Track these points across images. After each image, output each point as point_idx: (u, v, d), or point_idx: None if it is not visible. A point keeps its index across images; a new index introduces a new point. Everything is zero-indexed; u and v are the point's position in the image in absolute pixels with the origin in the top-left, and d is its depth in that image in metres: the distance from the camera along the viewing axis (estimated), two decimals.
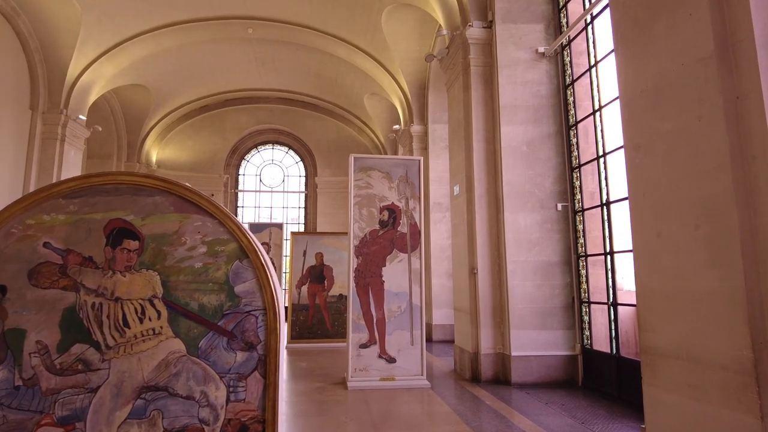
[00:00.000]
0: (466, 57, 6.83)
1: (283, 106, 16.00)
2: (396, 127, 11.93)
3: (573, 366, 5.93)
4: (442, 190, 10.77)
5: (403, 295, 6.16)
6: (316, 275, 9.79)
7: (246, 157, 16.76)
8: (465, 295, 6.60)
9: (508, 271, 6.10)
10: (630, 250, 4.99)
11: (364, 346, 6.03)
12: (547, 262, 6.15)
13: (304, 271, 9.83)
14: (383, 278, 6.16)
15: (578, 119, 6.27)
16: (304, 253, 9.87)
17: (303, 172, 16.91)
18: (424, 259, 10.83)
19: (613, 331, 5.31)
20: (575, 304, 6.05)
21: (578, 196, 6.20)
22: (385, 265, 6.19)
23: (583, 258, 6.01)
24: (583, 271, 6.01)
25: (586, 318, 5.92)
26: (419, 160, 6.47)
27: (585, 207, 6.06)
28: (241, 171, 16.65)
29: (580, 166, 6.17)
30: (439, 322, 10.34)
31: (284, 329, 2.60)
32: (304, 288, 9.77)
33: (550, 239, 6.20)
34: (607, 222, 5.51)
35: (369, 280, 6.15)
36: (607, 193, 5.55)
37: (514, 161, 6.36)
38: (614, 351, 5.29)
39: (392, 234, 6.27)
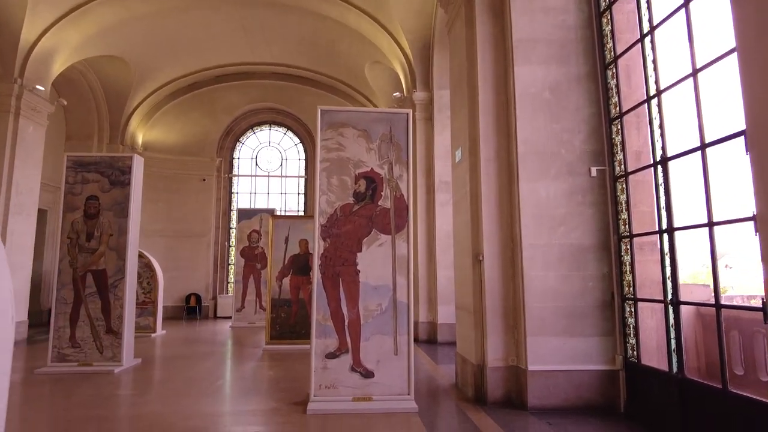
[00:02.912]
0: None
1: (278, 82, 14.56)
2: (396, 94, 10.39)
3: (612, 385, 4.37)
4: (449, 167, 9.20)
5: (384, 290, 4.69)
6: (300, 266, 8.39)
7: (241, 139, 15.44)
8: (467, 290, 5.09)
9: (525, 258, 4.57)
10: (702, 225, 3.42)
11: (331, 355, 4.59)
12: (577, 246, 4.59)
13: (286, 261, 8.45)
14: (358, 267, 4.70)
15: (618, 54, 4.67)
16: (286, 239, 8.49)
17: (303, 155, 15.52)
18: (421, 246, 9.40)
19: (673, 341, 3.74)
20: (615, 302, 4.48)
21: (619, 157, 4.61)
22: (360, 250, 4.73)
23: (627, 239, 4.44)
24: (627, 258, 4.44)
25: (630, 321, 4.35)
26: (407, 113, 4.96)
27: (629, 170, 4.47)
28: (235, 154, 15.35)
29: (621, 115, 4.59)
30: (446, 321, 8.84)
31: None
32: (286, 280, 8.39)
33: (581, 215, 4.64)
34: (663, 187, 3.92)
35: (339, 269, 4.70)
36: (663, 148, 3.96)
37: (533, 112, 4.81)
38: (674, 369, 3.72)
39: (371, 209, 4.79)
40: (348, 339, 4.60)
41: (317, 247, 4.72)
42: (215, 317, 13.93)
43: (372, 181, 4.83)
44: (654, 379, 3.97)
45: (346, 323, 4.62)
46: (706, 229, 3.39)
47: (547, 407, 4.32)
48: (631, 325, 4.32)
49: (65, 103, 10.86)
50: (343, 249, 4.72)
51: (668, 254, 3.83)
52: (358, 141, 4.87)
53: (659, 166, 3.98)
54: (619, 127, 4.64)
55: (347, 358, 4.58)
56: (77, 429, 3.87)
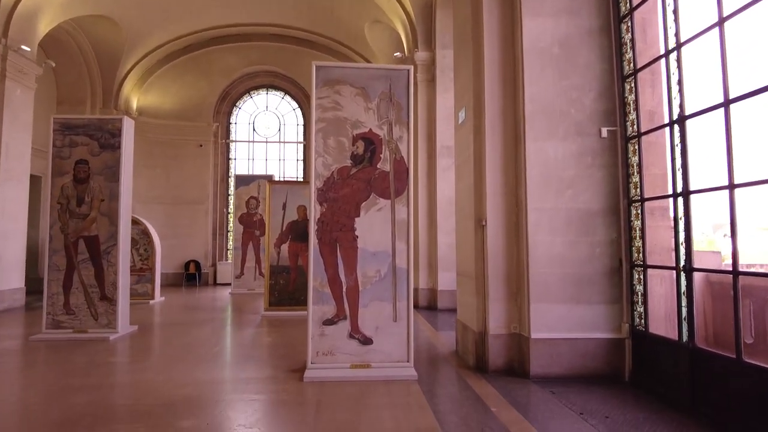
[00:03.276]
0: None
1: (276, 44, 14.09)
2: (397, 54, 9.99)
3: (618, 354, 4.26)
4: (452, 132, 8.92)
5: (383, 256, 4.52)
6: (299, 232, 8.22)
7: (237, 103, 15.04)
8: (469, 256, 4.93)
9: (530, 222, 4.38)
10: (722, 187, 3.20)
11: (329, 322, 4.46)
12: (585, 210, 4.39)
13: (284, 228, 8.28)
14: (356, 233, 4.52)
15: (634, 5, 4.35)
16: (284, 206, 8.29)
17: (301, 121, 15.16)
18: (422, 211, 9.20)
19: (684, 309, 3.59)
20: (623, 269, 4.31)
21: (631, 116, 4.36)
22: (358, 215, 4.54)
23: (638, 203, 4.23)
24: (637, 223, 4.25)
25: (638, 288, 4.20)
26: (408, 69, 4.68)
27: (642, 131, 4.23)
28: (232, 119, 14.99)
29: (635, 71, 4.30)
30: (447, 288, 8.76)
31: None
32: (285, 247, 8.25)
33: (590, 178, 4.42)
34: (679, 148, 3.68)
35: (336, 234, 4.52)
36: (681, 106, 3.70)
37: (542, 69, 4.52)
38: (684, 338, 3.58)
39: (369, 173, 4.57)
40: (346, 306, 4.47)
41: (313, 212, 4.53)
42: (215, 284, 13.90)
43: (371, 142, 4.59)
44: (662, 347, 3.84)
45: (344, 290, 4.47)
46: (716, 193, 3.18)
47: (550, 376, 4.22)
48: (640, 293, 4.16)
49: (53, 64, 10.47)
50: (341, 214, 4.52)
51: (682, 219, 3.63)
52: (355, 100, 4.60)
53: (676, 126, 3.73)
54: (632, 84, 4.36)
55: (345, 325, 4.45)
56: (68, 397, 3.77)
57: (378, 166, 4.58)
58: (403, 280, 4.50)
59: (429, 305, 9.05)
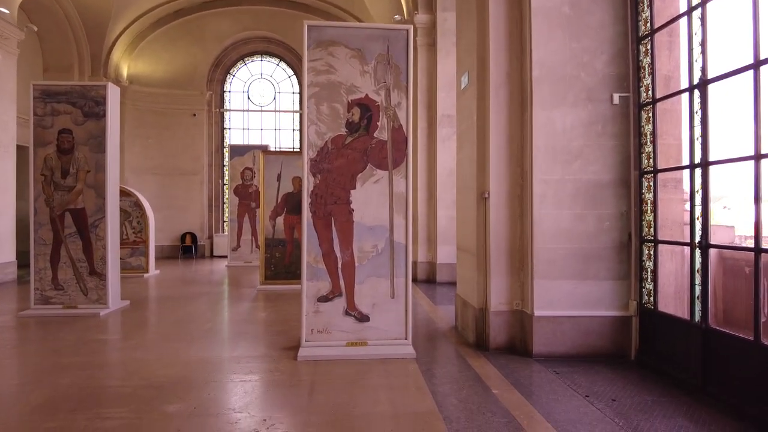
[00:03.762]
0: None
1: (270, 7, 13.56)
2: (396, 17, 9.53)
3: (624, 333, 4.09)
4: (453, 100, 8.58)
5: (380, 230, 4.30)
6: (294, 204, 7.99)
7: (231, 71, 14.55)
8: (470, 230, 4.71)
9: (535, 194, 4.15)
10: (746, 158, 2.94)
11: (324, 299, 4.28)
12: (594, 182, 4.14)
13: (279, 200, 8.04)
14: (352, 206, 4.29)
15: None
16: (279, 177, 8.03)
17: (296, 89, 14.69)
18: (421, 183, 8.95)
19: (698, 287, 3.39)
20: (632, 244, 4.10)
21: (646, 81, 4.06)
22: (354, 188, 4.30)
23: (650, 175, 3.98)
24: (649, 195, 4.01)
25: (648, 264, 3.99)
26: (407, 29, 4.35)
27: (657, 97, 3.94)
28: (226, 87, 14.52)
29: (652, 32, 3.98)
30: (446, 261, 8.60)
31: None
32: (280, 220, 8.03)
33: (600, 147, 4.16)
34: (699, 115, 3.41)
35: (331, 208, 4.29)
36: (703, 69, 3.40)
37: (551, 30, 4.20)
38: (697, 318, 3.39)
39: (366, 142, 4.31)
40: (341, 282, 4.28)
41: (306, 184, 4.28)
42: (212, 256, 13.76)
43: (367, 109, 4.31)
44: (671, 326, 3.66)
45: (340, 265, 4.27)
46: (742, 164, 2.93)
47: (553, 354, 4.07)
48: (649, 269, 3.96)
49: (35, 28, 10.02)
50: (335, 186, 4.28)
51: (699, 192, 3.39)
52: (350, 62, 4.29)
53: (696, 91, 3.44)
54: (648, 46, 4.04)
55: (341, 302, 4.28)
56: (52, 377, 3.61)
57: (375, 135, 4.31)
58: (401, 255, 4.30)
59: (428, 278, 8.90)
